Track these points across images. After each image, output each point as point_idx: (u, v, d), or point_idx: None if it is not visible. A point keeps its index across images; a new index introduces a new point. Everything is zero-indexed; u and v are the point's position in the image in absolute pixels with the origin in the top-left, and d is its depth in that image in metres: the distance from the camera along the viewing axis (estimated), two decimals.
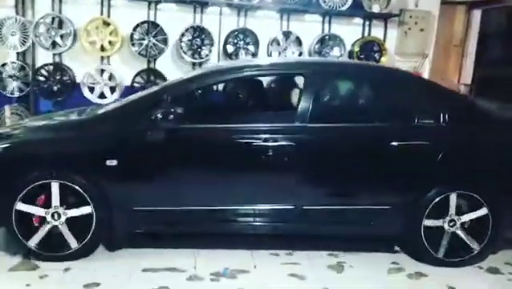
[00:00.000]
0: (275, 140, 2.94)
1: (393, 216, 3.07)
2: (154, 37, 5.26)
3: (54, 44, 5.21)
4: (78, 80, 5.33)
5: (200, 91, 3.83)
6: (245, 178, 3.02)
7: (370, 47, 5.79)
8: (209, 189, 2.97)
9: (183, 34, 5.35)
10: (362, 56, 5.76)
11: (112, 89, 5.36)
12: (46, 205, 2.91)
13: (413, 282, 2.96)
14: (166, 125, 2.87)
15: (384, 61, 5.76)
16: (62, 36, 5.20)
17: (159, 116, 2.84)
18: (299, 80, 3.32)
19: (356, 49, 5.74)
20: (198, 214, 3.02)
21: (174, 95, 2.95)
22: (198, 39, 5.37)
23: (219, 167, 3.00)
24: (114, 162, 2.83)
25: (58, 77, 5.25)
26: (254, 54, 5.56)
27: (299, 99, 3.05)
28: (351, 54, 5.80)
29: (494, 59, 6.46)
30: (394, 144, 3.03)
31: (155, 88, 3.28)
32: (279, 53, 5.63)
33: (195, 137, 3.01)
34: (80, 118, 3.25)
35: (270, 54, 5.62)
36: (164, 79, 5.42)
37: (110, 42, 5.24)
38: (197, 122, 3.02)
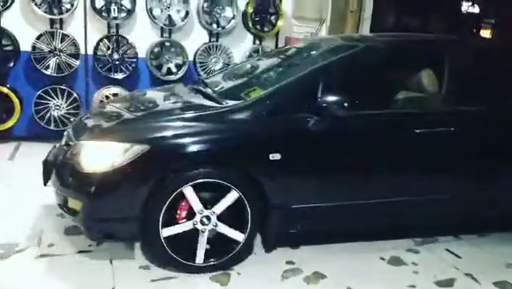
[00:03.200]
0: (437, 126, 2.85)
1: None
2: None
3: None
4: None
5: (368, 70, 3.06)
6: (411, 168, 2.88)
7: (265, 9, 5.20)
8: (376, 182, 2.81)
9: None
10: (257, 19, 5.17)
11: None
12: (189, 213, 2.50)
13: (311, 287, 2.54)
14: (334, 112, 2.56)
15: (281, 25, 5.24)
16: None
17: (326, 101, 2.55)
18: (444, 59, 3.01)
19: (250, 10, 5.11)
20: (359, 209, 2.83)
21: (339, 75, 2.74)
22: None
23: (387, 157, 2.82)
24: (277, 156, 2.47)
25: None
26: (130, 11, 4.64)
27: (454, 81, 2.94)
28: (244, 16, 5.16)
29: (390, 25, 6.37)
30: None
31: (317, 65, 2.86)
32: (161, 10, 4.78)
33: (364, 125, 2.77)
34: (228, 106, 2.65)
35: (150, 12, 4.75)
36: (12, 38, 4.29)
37: None
38: (365, 107, 2.75)
